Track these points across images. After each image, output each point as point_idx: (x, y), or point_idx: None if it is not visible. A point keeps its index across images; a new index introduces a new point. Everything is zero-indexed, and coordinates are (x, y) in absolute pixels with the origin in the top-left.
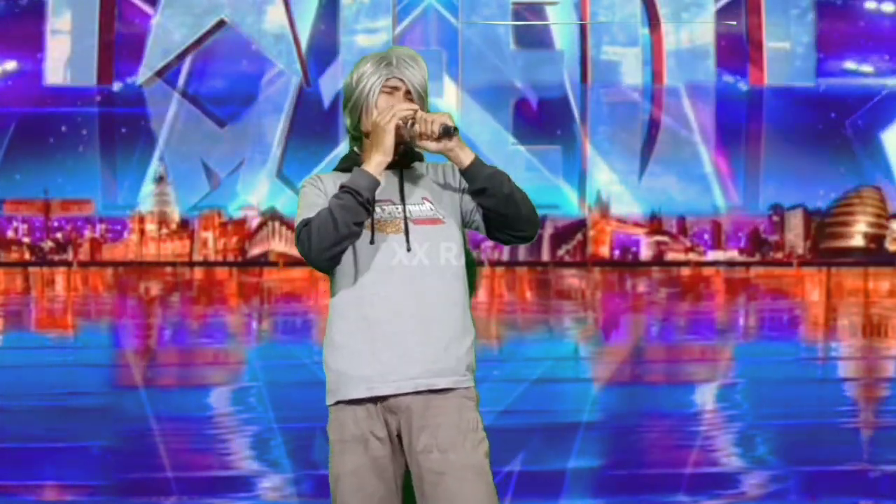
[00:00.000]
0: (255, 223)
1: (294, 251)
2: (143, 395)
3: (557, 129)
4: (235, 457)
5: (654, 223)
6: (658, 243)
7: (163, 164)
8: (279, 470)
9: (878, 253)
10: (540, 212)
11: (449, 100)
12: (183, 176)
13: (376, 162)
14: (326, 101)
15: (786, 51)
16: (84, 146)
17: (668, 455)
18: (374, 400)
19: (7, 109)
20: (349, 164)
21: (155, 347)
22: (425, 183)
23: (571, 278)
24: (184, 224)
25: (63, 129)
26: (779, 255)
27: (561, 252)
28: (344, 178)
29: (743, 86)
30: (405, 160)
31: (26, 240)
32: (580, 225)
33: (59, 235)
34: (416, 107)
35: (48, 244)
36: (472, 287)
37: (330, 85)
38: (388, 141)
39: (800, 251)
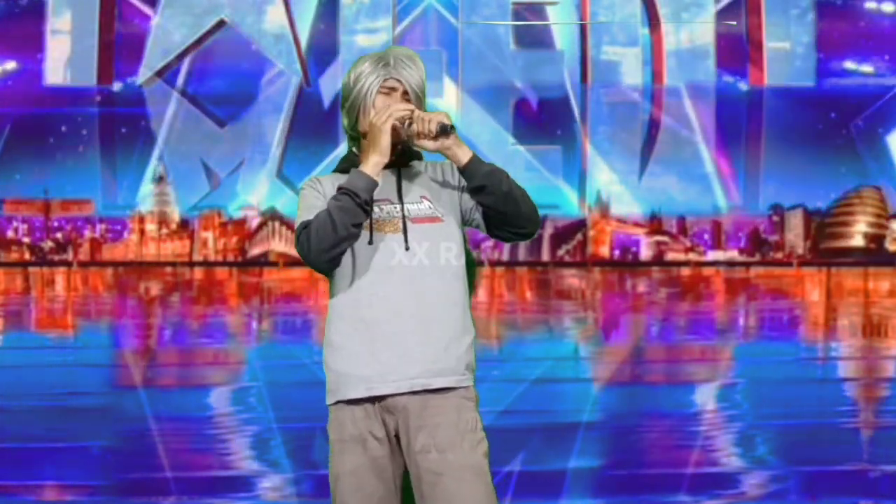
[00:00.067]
0: (255, 223)
1: (294, 251)
2: (143, 395)
3: (557, 129)
4: (235, 457)
5: (654, 223)
6: (658, 243)
7: (163, 164)
8: (279, 470)
9: (879, 253)
10: (540, 212)
11: (449, 100)
12: (183, 176)
13: (373, 162)
14: (326, 101)
15: (786, 51)
16: (84, 146)
17: (668, 455)
18: (373, 400)
19: (7, 109)
20: (348, 164)
21: (155, 347)
22: (424, 181)
23: (571, 278)
24: (184, 224)
25: (63, 128)
26: (779, 255)
27: (561, 252)
28: (343, 179)
29: (743, 86)
30: (403, 159)
31: (26, 240)
32: (580, 225)
33: (59, 235)
34: (412, 107)
35: (48, 244)
36: (472, 287)
37: (330, 85)
38: (385, 141)
39: (800, 251)
